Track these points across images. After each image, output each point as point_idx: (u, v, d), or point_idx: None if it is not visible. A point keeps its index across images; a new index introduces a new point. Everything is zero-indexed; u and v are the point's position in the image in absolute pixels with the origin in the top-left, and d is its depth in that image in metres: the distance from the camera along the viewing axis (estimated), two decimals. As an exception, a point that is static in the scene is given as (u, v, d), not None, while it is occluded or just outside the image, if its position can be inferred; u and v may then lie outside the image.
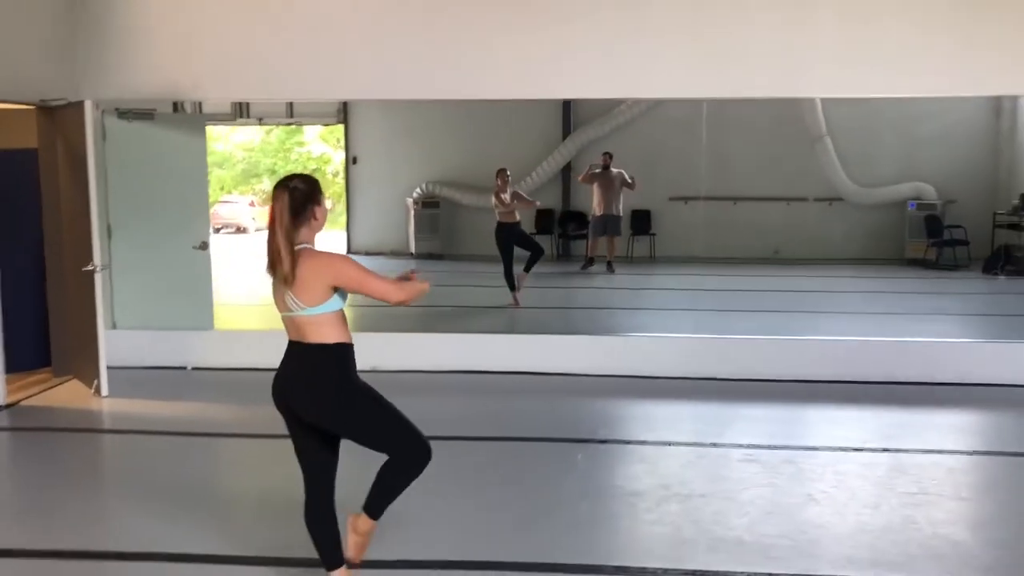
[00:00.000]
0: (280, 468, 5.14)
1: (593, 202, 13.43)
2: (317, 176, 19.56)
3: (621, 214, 13.48)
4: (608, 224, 13.27)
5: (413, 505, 4.26)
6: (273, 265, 3.18)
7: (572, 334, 8.34)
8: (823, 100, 14.82)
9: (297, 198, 3.18)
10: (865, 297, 11.63)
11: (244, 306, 11.14)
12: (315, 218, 3.25)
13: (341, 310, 3.28)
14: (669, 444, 5.64)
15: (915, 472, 5.12)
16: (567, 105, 15.59)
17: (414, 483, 3.39)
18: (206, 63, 7.39)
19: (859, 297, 11.63)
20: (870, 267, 14.23)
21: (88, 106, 6.56)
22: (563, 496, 4.72)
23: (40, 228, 7.34)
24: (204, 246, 7.72)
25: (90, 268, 6.59)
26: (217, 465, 5.62)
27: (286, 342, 3.32)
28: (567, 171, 15.59)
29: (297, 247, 3.19)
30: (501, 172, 10.60)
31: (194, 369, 7.56)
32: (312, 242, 3.27)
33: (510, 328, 9.30)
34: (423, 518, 4.30)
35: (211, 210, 27.56)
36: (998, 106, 14.89)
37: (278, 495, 4.73)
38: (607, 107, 15.18)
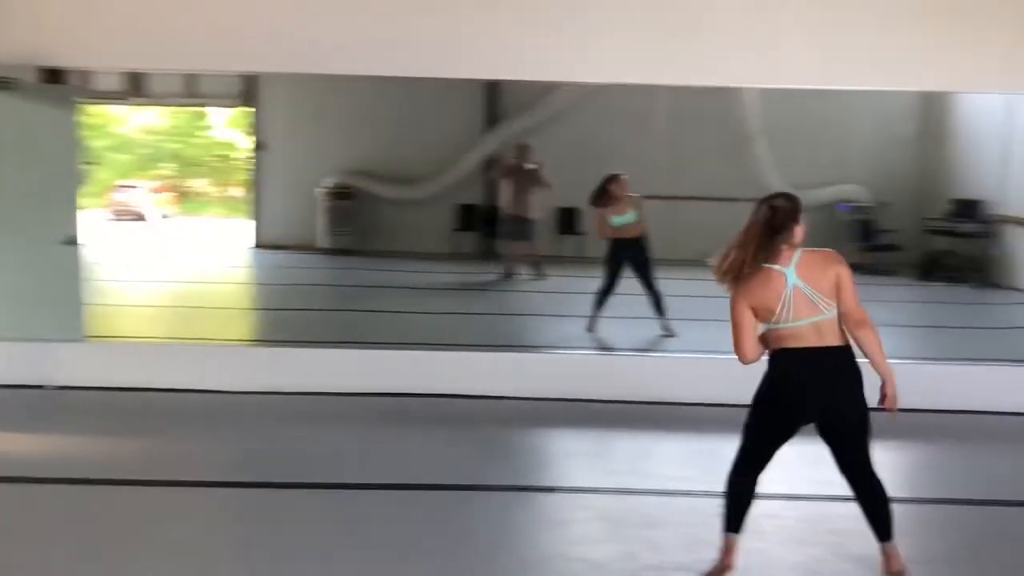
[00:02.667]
0: (170, 528, 4.06)
1: (504, 201, 11.95)
2: (221, 164, 18.10)
3: (534, 217, 11.65)
4: (516, 229, 11.62)
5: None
6: (737, 272, 3.39)
7: (492, 349, 7.36)
8: (759, 98, 14.33)
9: (780, 216, 3.40)
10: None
11: (136, 308, 9.86)
12: (794, 236, 3.43)
13: None
14: (628, 492, 4.76)
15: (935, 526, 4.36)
16: (493, 94, 14.68)
17: None
18: (78, 23, 6.23)
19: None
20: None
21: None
22: (499, 569, 3.80)
23: None
24: (72, 241, 6.52)
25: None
26: (77, 526, 4.44)
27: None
28: (491, 164, 14.67)
29: (797, 252, 3.43)
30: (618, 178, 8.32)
31: (58, 388, 6.37)
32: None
33: (426, 339, 8.19)
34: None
35: (107, 196, 26.13)
36: (928, 108, 14.63)
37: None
38: (536, 97, 14.31)
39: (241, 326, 9.22)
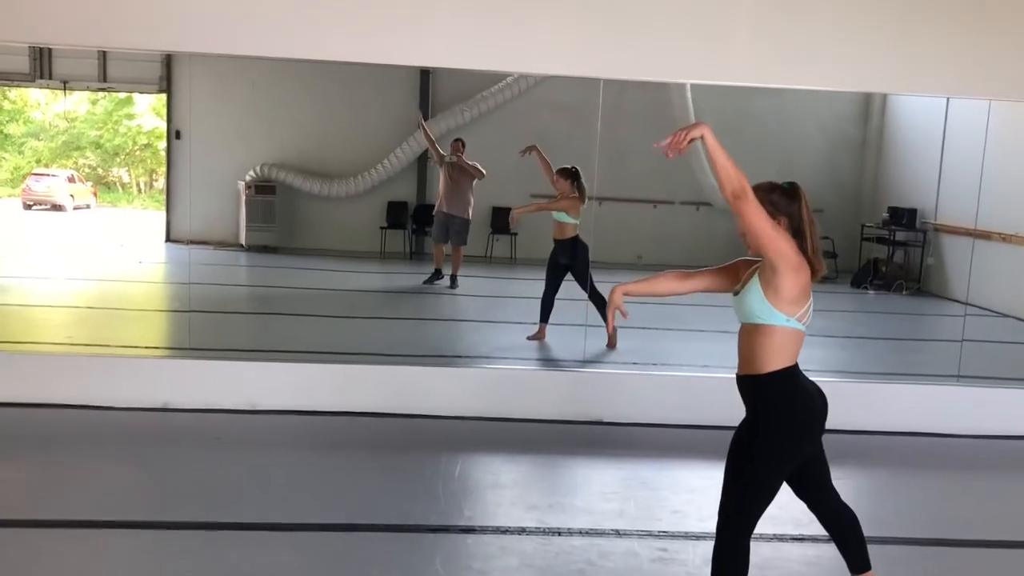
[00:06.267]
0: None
1: (437, 198, 11.16)
2: (150, 153, 16.95)
3: (469, 217, 10.93)
4: (450, 228, 10.81)
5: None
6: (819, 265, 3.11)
7: (412, 361, 6.79)
8: (694, 97, 14.05)
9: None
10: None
11: (18, 309, 9.03)
12: None
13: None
14: (558, 533, 4.26)
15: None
16: (425, 87, 14.13)
17: None
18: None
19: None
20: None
21: None
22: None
23: None
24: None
25: None
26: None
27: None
28: (423, 160, 14.11)
29: None
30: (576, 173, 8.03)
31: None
32: None
33: (345, 349, 7.57)
34: None
35: (22, 185, 24.81)
36: (866, 115, 14.55)
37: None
38: (470, 91, 13.80)
39: (136, 331, 8.47)
